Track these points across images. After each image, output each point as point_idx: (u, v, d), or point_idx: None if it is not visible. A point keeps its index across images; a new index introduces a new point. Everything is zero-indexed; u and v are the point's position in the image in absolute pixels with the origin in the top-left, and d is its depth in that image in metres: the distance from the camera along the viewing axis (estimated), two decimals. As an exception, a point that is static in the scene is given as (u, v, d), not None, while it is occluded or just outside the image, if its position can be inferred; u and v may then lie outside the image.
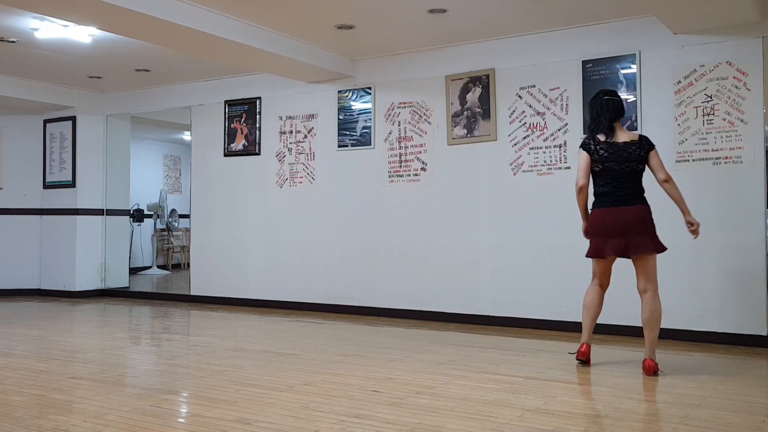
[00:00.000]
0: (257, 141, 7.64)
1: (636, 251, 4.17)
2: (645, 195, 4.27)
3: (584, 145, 4.31)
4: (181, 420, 3.32)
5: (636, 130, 5.52)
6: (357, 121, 6.96)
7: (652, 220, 4.22)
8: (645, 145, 4.24)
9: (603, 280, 4.43)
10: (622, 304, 5.55)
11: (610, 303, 5.58)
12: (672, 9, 4.83)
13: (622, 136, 4.27)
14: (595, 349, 5.02)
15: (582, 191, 4.29)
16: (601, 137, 4.27)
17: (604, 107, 4.33)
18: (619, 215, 4.19)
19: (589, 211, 4.38)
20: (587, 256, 4.39)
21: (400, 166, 6.68)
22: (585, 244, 5.72)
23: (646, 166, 4.27)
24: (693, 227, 4.28)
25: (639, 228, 4.17)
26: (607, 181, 4.25)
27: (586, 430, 3.02)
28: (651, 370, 4.09)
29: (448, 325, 6.18)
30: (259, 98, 7.65)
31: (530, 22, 5.74)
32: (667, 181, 4.20)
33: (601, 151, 4.24)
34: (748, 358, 4.72)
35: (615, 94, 4.41)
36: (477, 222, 6.27)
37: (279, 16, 5.62)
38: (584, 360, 4.40)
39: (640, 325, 4.16)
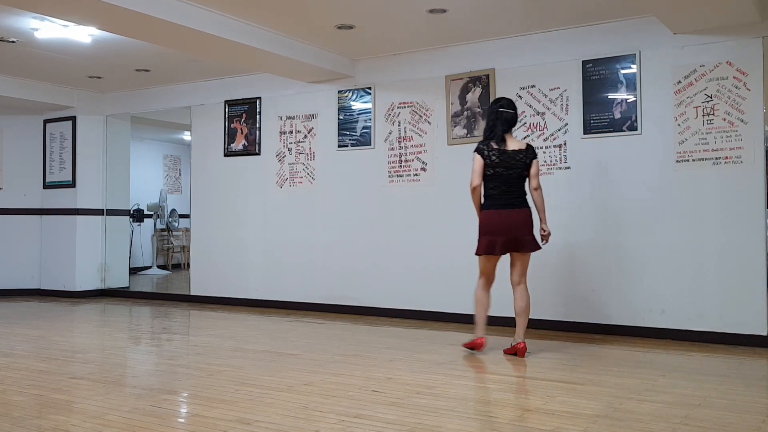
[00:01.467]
0: (257, 141, 7.65)
1: (523, 249, 4.66)
2: (527, 199, 4.74)
3: (479, 150, 4.71)
4: (181, 420, 3.32)
5: (636, 130, 5.52)
6: (357, 121, 6.96)
7: (532, 221, 4.71)
8: (530, 154, 4.71)
9: (491, 277, 4.81)
10: (622, 305, 5.56)
11: (611, 303, 5.59)
12: (672, 9, 4.83)
13: (512, 144, 4.71)
14: (595, 348, 5.03)
15: (475, 191, 4.72)
16: (494, 144, 4.70)
17: (499, 118, 4.74)
18: (508, 217, 4.66)
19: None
20: (477, 253, 4.74)
21: (400, 166, 6.68)
22: (585, 244, 5.74)
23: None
24: (544, 233, 4.78)
25: (526, 229, 4.66)
26: (497, 185, 4.69)
27: (586, 430, 3.02)
28: (524, 351, 4.62)
29: (448, 325, 6.18)
30: (259, 98, 7.65)
31: (530, 22, 5.74)
32: (536, 189, 4.72)
33: (493, 157, 4.66)
34: (748, 358, 4.72)
35: (511, 106, 4.80)
36: (476, 222, 6.25)
37: (279, 16, 5.62)
38: (475, 350, 4.78)
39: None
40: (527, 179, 4.73)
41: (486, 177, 4.69)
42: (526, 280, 4.74)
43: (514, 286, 4.74)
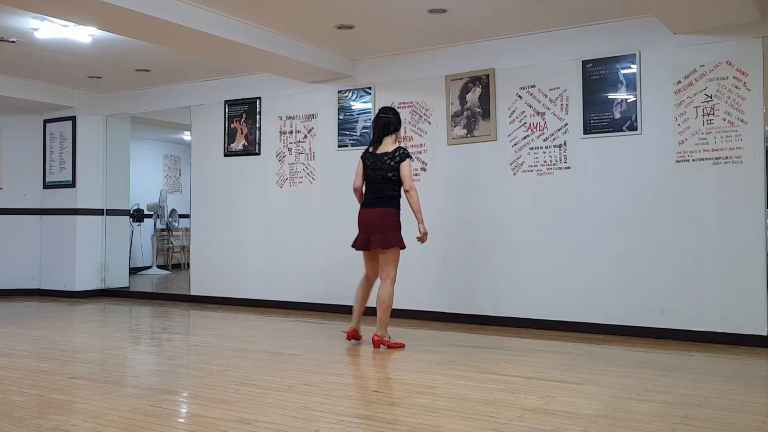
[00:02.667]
0: (257, 141, 7.65)
1: (375, 246, 4.91)
2: (394, 200, 4.98)
3: (362, 154, 5.13)
4: (181, 420, 3.32)
5: (636, 130, 5.52)
6: (357, 121, 6.96)
7: (393, 221, 4.93)
8: (396, 157, 4.93)
9: (369, 272, 5.13)
10: (622, 305, 5.56)
11: (611, 303, 5.59)
12: (672, 9, 4.83)
13: (386, 148, 4.99)
14: (595, 348, 5.03)
15: (355, 192, 5.15)
16: (370, 148, 5.06)
17: (377, 123, 5.09)
18: (365, 215, 5.00)
19: None
20: (351, 246, 5.13)
21: (400, 166, 6.67)
22: (586, 244, 5.74)
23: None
24: (421, 235, 5.01)
25: (375, 228, 4.91)
26: (368, 185, 5.05)
27: (586, 430, 3.02)
28: (378, 343, 4.93)
29: (448, 325, 6.18)
30: (259, 98, 7.65)
31: (530, 22, 5.74)
32: (407, 192, 4.94)
33: (367, 161, 5.04)
34: (748, 358, 4.72)
35: (390, 112, 5.12)
36: (477, 222, 6.27)
37: (279, 16, 5.62)
38: (354, 339, 5.17)
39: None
40: (395, 181, 4.96)
41: (365, 179, 5.07)
42: (392, 277, 4.95)
43: (380, 280, 5.03)
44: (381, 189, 4.97)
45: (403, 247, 4.98)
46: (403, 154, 4.93)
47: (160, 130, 11.58)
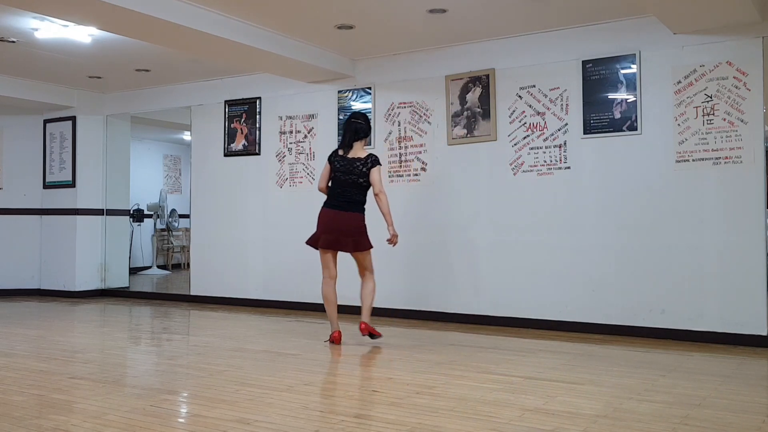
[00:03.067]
0: (257, 141, 7.65)
1: (345, 249, 5.14)
2: (363, 205, 5.16)
3: (329, 157, 5.28)
4: (181, 420, 3.32)
5: (636, 130, 5.52)
6: (357, 121, 6.95)
7: (363, 226, 5.15)
8: (369, 163, 5.14)
9: (330, 272, 5.23)
10: (622, 305, 5.56)
11: (611, 303, 5.59)
12: (672, 9, 4.83)
13: (357, 153, 5.17)
14: (595, 348, 5.03)
15: (321, 192, 5.32)
16: (341, 152, 5.21)
17: (348, 129, 5.24)
18: (337, 217, 5.12)
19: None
20: (306, 242, 5.25)
21: (400, 166, 6.68)
22: (586, 244, 5.74)
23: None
24: (390, 237, 5.18)
25: (349, 231, 5.09)
26: (335, 187, 5.19)
27: (586, 430, 3.02)
28: (366, 330, 5.10)
29: (448, 325, 6.18)
30: (259, 98, 7.65)
31: (530, 22, 5.74)
32: (377, 195, 5.12)
33: (337, 164, 5.18)
34: (748, 358, 4.72)
35: (361, 118, 5.30)
36: (477, 222, 6.26)
37: (279, 16, 5.62)
38: (337, 343, 5.17)
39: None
40: (365, 187, 5.15)
41: (331, 180, 5.23)
42: (371, 272, 5.21)
43: (360, 277, 5.24)
44: (351, 194, 5.15)
45: (372, 247, 5.23)
46: (374, 161, 5.16)
47: (160, 130, 11.57)
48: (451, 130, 6.41)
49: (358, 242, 5.11)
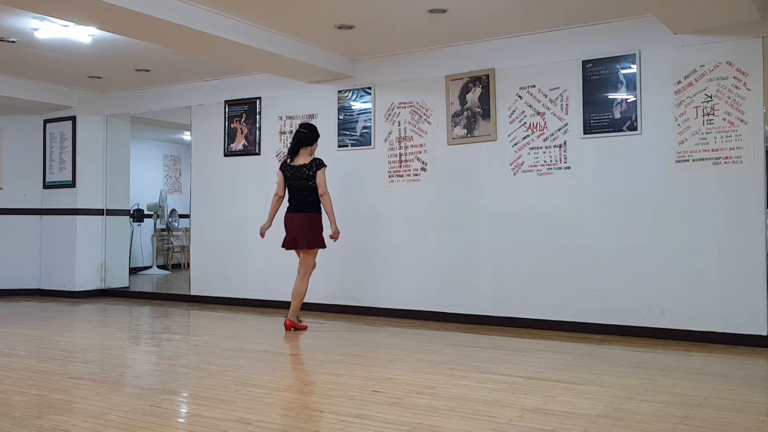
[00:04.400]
0: (257, 141, 7.64)
1: (299, 246, 5.75)
2: (315, 205, 5.74)
3: (280, 166, 5.91)
4: (181, 420, 3.32)
5: (636, 130, 5.52)
6: (357, 121, 6.96)
7: (316, 224, 5.74)
8: (313, 167, 5.72)
9: (299, 268, 5.85)
10: (621, 305, 5.56)
11: (611, 303, 5.59)
12: (672, 9, 4.83)
13: (302, 159, 5.77)
14: (595, 348, 5.03)
15: (278, 200, 5.93)
16: (289, 160, 5.81)
17: (294, 138, 5.86)
18: (291, 220, 5.77)
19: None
20: (282, 246, 5.86)
21: (400, 166, 6.68)
22: (586, 244, 5.74)
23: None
24: (332, 233, 5.76)
25: (301, 230, 5.70)
26: (290, 193, 5.82)
27: (586, 430, 3.02)
28: (290, 326, 5.77)
29: (448, 325, 6.18)
30: (259, 98, 7.65)
31: (530, 22, 5.74)
32: (321, 196, 5.71)
33: (287, 172, 5.80)
34: (748, 358, 4.72)
35: (305, 127, 5.87)
36: (477, 222, 6.26)
37: (279, 16, 5.62)
38: (287, 330, 5.81)
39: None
40: (315, 189, 5.70)
41: (287, 186, 5.83)
42: (308, 272, 5.80)
43: (298, 274, 5.85)
44: (303, 197, 5.74)
45: (324, 247, 5.81)
46: (318, 164, 5.72)
47: (160, 130, 11.57)
48: (451, 130, 6.41)
49: (307, 240, 5.69)
